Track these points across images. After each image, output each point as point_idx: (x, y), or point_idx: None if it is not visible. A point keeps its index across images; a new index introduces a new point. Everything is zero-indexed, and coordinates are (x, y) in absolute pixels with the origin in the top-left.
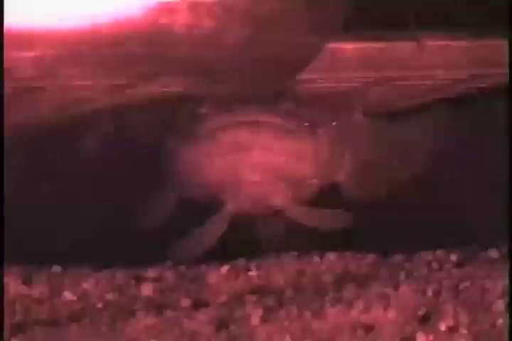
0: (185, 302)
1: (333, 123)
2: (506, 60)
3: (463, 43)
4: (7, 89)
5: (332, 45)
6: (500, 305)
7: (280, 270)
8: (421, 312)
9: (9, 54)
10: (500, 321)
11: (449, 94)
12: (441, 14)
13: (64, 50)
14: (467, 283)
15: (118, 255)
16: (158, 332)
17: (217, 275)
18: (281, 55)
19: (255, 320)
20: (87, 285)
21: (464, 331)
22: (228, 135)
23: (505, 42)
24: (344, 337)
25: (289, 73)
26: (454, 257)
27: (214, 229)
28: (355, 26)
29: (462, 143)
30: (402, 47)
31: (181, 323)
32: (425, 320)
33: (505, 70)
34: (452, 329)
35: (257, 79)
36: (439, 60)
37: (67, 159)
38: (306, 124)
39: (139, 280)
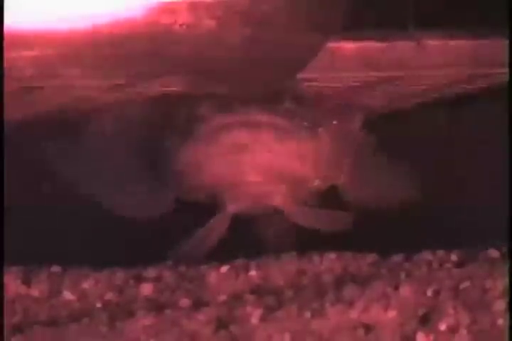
0: (185, 302)
1: (334, 122)
2: (506, 60)
3: (463, 43)
4: (7, 89)
5: (332, 45)
6: (500, 305)
7: (280, 270)
8: (421, 312)
9: (9, 54)
10: (500, 321)
11: (449, 94)
12: (441, 14)
13: (64, 50)
14: (467, 283)
15: (117, 255)
16: (158, 332)
17: (217, 275)
18: (281, 54)
19: (255, 319)
20: (86, 285)
21: (464, 331)
22: (228, 135)
23: (506, 42)
24: (344, 337)
25: (289, 73)
26: (454, 257)
27: (215, 230)
28: (355, 26)
29: (462, 143)
30: (402, 47)
31: (181, 323)
32: (425, 320)
33: (505, 70)
34: (452, 329)
35: (257, 79)
36: (439, 60)
37: (67, 159)
38: (307, 124)
39: (139, 280)
